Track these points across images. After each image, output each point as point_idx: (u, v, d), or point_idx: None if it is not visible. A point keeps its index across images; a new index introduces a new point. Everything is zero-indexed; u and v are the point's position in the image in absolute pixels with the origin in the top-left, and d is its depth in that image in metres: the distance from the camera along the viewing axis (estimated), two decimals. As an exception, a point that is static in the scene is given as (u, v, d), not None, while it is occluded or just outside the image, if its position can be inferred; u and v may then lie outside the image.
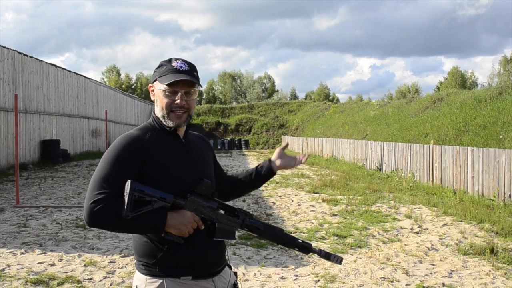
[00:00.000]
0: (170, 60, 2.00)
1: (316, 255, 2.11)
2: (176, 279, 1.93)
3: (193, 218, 1.88)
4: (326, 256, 2.10)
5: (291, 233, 7.27)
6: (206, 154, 2.17)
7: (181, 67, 1.96)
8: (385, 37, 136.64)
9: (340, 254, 6.07)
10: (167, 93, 1.96)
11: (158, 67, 2.02)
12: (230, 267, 2.15)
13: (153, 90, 2.04)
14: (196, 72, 2.02)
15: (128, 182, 1.78)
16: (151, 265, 1.94)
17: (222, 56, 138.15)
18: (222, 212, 2.01)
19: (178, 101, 1.96)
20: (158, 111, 2.00)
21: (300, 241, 2.13)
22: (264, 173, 2.30)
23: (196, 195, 1.93)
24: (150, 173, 1.90)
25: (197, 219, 1.90)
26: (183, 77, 1.93)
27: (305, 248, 2.11)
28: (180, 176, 1.95)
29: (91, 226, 1.83)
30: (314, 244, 6.62)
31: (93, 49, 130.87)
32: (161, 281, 1.92)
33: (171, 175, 1.92)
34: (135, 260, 2.02)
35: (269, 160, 2.33)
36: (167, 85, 1.94)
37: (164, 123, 1.99)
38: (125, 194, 1.77)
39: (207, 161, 2.15)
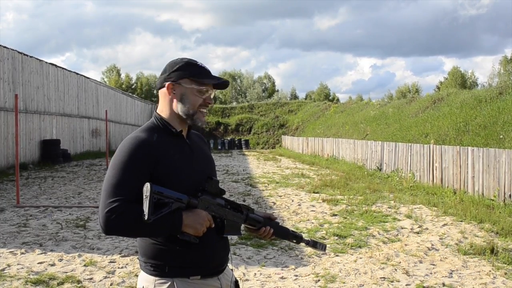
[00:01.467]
0: (195, 61, 2.03)
1: (304, 244, 2.27)
2: (185, 279, 1.93)
3: (207, 216, 1.90)
4: (313, 244, 2.29)
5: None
6: (208, 153, 2.20)
7: (208, 69, 2.04)
8: (385, 37, 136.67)
9: (340, 254, 6.08)
10: (201, 93, 2.00)
11: (187, 65, 2.00)
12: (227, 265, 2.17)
13: (175, 88, 1.99)
14: None
15: (147, 184, 1.75)
16: (160, 266, 1.92)
17: (222, 56, 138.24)
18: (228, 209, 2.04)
19: (209, 100, 2.02)
20: (183, 109, 1.98)
21: (292, 231, 2.26)
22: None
23: (206, 193, 1.95)
24: (160, 175, 1.88)
25: (210, 217, 1.91)
26: (224, 81, 2.03)
27: (297, 237, 2.27)
28: (188, 176, 1.95)
29: (108, 234, 1.83)
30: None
31: (93, 49, 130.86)
32: (170, 282, 1.91)
33: (180, 176, 1.92)
34: (141, 261, 1.99)
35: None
36: (206, 84, 2.00)
37: (189, 122, 2.01)
38: (144, 197, 1.74)
39: (210, 160, 2.17)
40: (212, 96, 2.06)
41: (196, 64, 2.02)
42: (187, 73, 1.99)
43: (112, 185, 1.82)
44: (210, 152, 2.25)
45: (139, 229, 1.80)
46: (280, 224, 2.25)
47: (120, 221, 1.77)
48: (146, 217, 1.72)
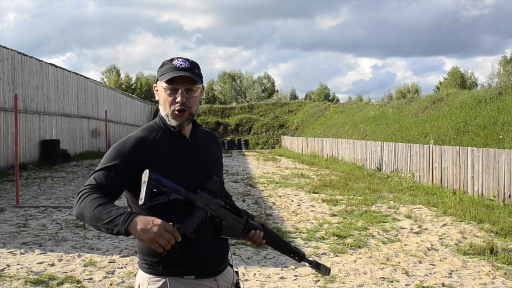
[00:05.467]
0: (172, 59, 2.00)
1: (307, 263, 2.19)
2: (179, 278, 1.93)
3: (164, 227, 1.67)
4: (316, 265, 2.18)
5: (290, 233, 7.27)
6: (214, 153, 2.15)
7: (181, 64, 1.96)
8: (387, 37, 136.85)
9: (340, 254, 6.08)
10: (168, 91, 1.96)
11: (161, 66, 2.02)
12: (231, 266, 2.15)
13: (157, 90, 2.03)
14: (198, 70, 2.01)
15: (146, 171, 1.75)
16: (155, 263, 1.93)
17: (223, 56, 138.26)
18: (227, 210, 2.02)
19: (178, 98, 1.94)
20: (162, 110, 2.01)
21: (294, 247, 2.20)
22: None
23: (206, 192, 1.93)
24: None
25: (171, 229, 1.68)
26: (182, 74, 1.93)
27: (299, 255, 2.19)
28: (185, 175, 1.93)
29: (76, 217, 1.83)
30: (314, 244, 6.62)
31: (94, 49, 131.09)
32: (164, 280, 1.92)
33: (174, 176, 1.89)
34: (138, 259, 2.01)
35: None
36: (166, 82, 1.94)
37: (168, 122, 1.99)
38: (142, 182, 1.74)
39: (215, 160, 2.13)
40: (179, 94, 1.93)
41: (168, 63, 1.99)
42: (159, 73, 2.01)
43: (93, 174, 1.88)
44: (219, 152, 2.21)
45: (86, 214, 1.74)
46: (280, 236, 2.20)
47: (77, 206, 1.79)
48: (142, 202, 1.71)
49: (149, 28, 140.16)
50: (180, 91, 1.94)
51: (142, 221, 1.67)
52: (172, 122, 1.97)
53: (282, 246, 2.19)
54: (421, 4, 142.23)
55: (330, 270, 2.22)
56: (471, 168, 10.69)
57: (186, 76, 1.93)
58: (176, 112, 1.95)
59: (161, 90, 1.99)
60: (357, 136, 23.90)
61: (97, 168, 1.90)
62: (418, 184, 12.77)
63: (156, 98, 2.05)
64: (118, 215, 1.70)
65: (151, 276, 1.94)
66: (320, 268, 2.18)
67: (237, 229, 2.03)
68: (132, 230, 1.67)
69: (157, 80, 2.02)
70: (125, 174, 1.87)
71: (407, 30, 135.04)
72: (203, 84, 2.04)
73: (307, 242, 6.75)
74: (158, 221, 1.67)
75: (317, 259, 5.90)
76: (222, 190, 2.02)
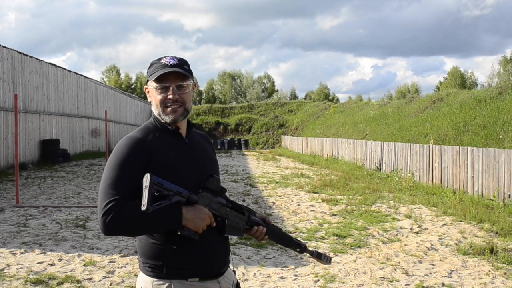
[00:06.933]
0: (160, 58, 1.99)
1: (309, 254, 2.24)
2: (183, 281, 1.90)
3: (208, 213, 1.87)
4: (318, 256, 2.24)
5: (290, 233, 7.27)
6: (209, 153, 2.15)
7: (170, 62, 1.95)
8: (387, 37, 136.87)
9: (340, 254, 6.08)
10: (159, 90, 1.94)
11: (149, 66, 2.00)
12: (229, 267, 2.15)
13: (148, 91, 2.01)
14: (187, 66, 1.99)
15: (147, 175, 1.74)
16: (158, 266, 1.90)
17: (224, 56, 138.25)
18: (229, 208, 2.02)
19: (170, 95, 1.93)
20: (155, 110, 1.98)
21: (296, 240, 2.24)
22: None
23: (207, 191, 1.93)
24: (154, 173, 1.86)
25: (211, 214, 1.88)
26: (171, 70, 1.91)
27: (300, 247, 2.24)
28: (184, 176, 1.92)
29: (108, 235, 1.83)
30: (314, 244, 6.62)
31: (95, 48, 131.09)
32: (168, 283, 1.89)
33: (174, 176, 1.88)
34: (140, 262, 1.98)
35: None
36: (156, 80, 1.93)
37: (162, 120, 1.97)
38: (144, 187, 1.73)
39: (211, 160, 2.13)
40: (170, 91, 1.92)
41: (156, 62, 1.98)
42: (149, 74, 1.99)
43: (106, 187, 1.83)
44: (213, 152, 2.21)
45: (137, 225, 1.79)
46: (281, 229, 2.22)
47: (117, 221, 1.76)
48: (145, 207, 1.69)
49: (150, 28, 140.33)
50: (171, 88, 1.93)
51: (192, 210, 1.83)
52: (166, 119, 1.95)
53: (284, 239, 2.21)
54: (422, 4, 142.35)
55: (330, 259, 2.27)
56: (471, 168, 10.69)
57: (176, 71, 1.92)
58: (169, 109, 1.94)
59: (152, 90, 1.97)
60: (357, 136, 23.90)
61: (109, 181, 1.83)
62: (418, 184, 12.77)
63: (149, 100, 2.03)
64: (167, 211, 1.78)
65: (155, 279, 1.91)
66: (321, 258, 2.23)
67: (240, 226, 2.03)
68: (185, 221, 1.81)
69: (148, 81, 2.00)
70: (136, 179, 1.83)
71: (408, 30, 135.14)
72: (194, 81, 2.03)
73: (307, 241, 6.75)
74: (201, 207, 1.87)
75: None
76: (223, 189, 2.02)
